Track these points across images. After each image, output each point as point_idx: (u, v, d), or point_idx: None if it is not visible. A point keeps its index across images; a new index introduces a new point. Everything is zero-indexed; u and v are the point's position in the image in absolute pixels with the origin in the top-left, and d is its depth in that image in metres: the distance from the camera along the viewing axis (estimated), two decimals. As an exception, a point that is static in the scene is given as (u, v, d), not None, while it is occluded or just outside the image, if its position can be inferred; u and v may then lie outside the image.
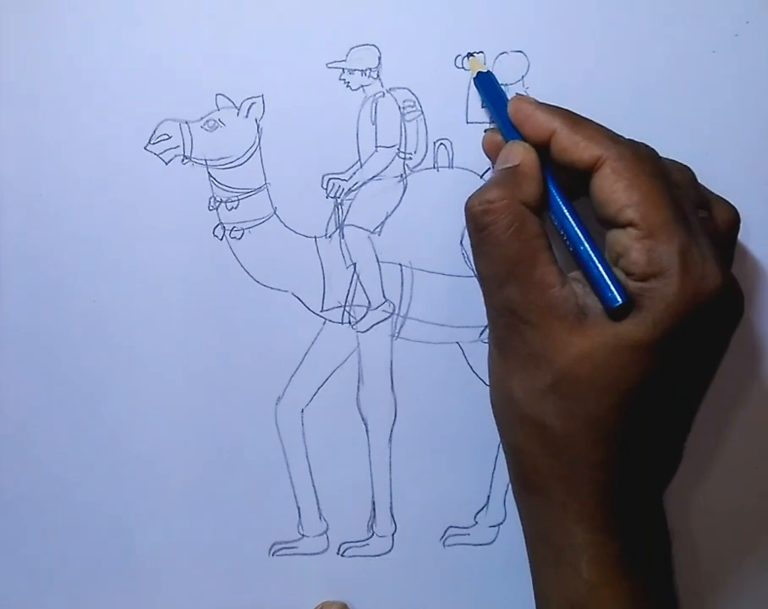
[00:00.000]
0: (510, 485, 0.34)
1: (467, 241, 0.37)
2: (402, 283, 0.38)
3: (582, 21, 0.36)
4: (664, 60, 0.37)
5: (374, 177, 0.37)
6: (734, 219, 0.33)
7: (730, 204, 0.33)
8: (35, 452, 0.39)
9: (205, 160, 0.37)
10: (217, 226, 0.38)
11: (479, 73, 0.36)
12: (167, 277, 0.38)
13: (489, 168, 0.37)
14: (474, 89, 0.37)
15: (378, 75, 0.37)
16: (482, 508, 0.39)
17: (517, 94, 0.34)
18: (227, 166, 0.37)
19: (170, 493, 0.39)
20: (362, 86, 0.37)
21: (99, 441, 0.39)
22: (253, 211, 0.38)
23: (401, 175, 0.37)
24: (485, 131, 0.36)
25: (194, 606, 0.40)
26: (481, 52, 0.37)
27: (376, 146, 0.37)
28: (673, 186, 0.31)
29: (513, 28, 0.36)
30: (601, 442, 0.30)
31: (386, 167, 0.37)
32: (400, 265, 0.38)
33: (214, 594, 0.40)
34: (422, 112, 0.37)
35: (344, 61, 0.37)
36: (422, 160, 0.37)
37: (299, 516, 0.39)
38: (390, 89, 0.37)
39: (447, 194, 0.37)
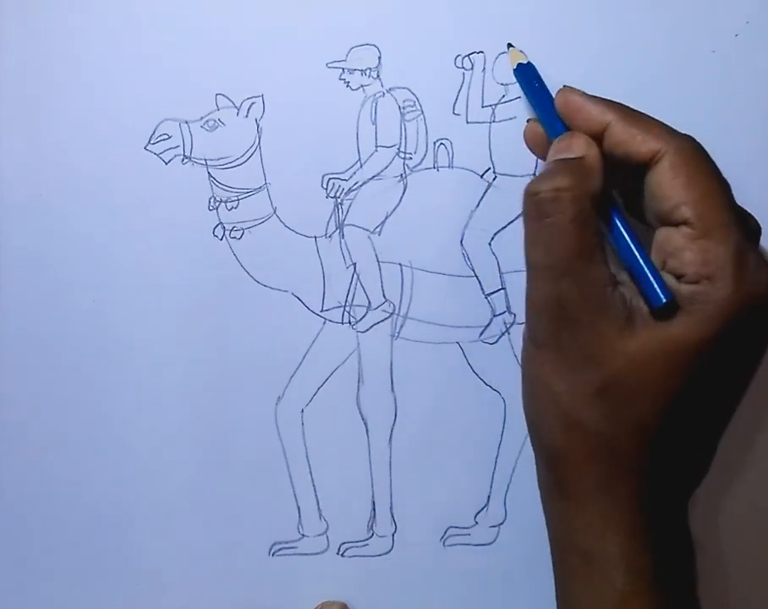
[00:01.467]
0: (539, 492, 0.33)
1: (467, 241, 0.38)
2: (402, 283, 0.38)
3: (582, 21, 0.36)
4: (664, 60, 0.37)
5: (374, 177, 0.37)
6: (759, 232, 0.32)
7: (754, 217, 0.32)
8: (36, 451, 0.39)
9: (205, 160, 0.37)
10: (217, 226, 0.38)
11: (519, 64, 0.35)
12: (167, 277, 0.38)
13: (489, 168, 0.37)
14: (473, 89, 0.37)
15: (378, 75, 0.37)
16: (482, 508, 0.39)
17: (564, 86, 0.33)
18: (227, 166, 0.37)
19: (170, 493, 0.39)
20: (362, 86, 0.37)
21: (99, 441, 0.39)
22: (253, 211, 0.38)
23: (401, 175, 0.37)
24: (528, 121, 0.35)
25: (194, 606, 0.40)
26: (481, 51, 0.37)
27: (376, 146, 0.37)
28: (727, 186, 0.30)
29: (513, 28, 0.36)
30: (646, 447, 0.29)
31: (386, 166, 0.37)
32: (400, 265, 0.38)
33: (214, 594, 0.40)
34: (422, 112, 0.37)
35: (344, 61, 0.37)
36: (422, 160, 0.37)
37: (299, 516, 0.39)
38: (390, 89, 0.37)
39: (447, 194, 0.37)
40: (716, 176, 0.30)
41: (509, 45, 0.36)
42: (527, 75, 0.35)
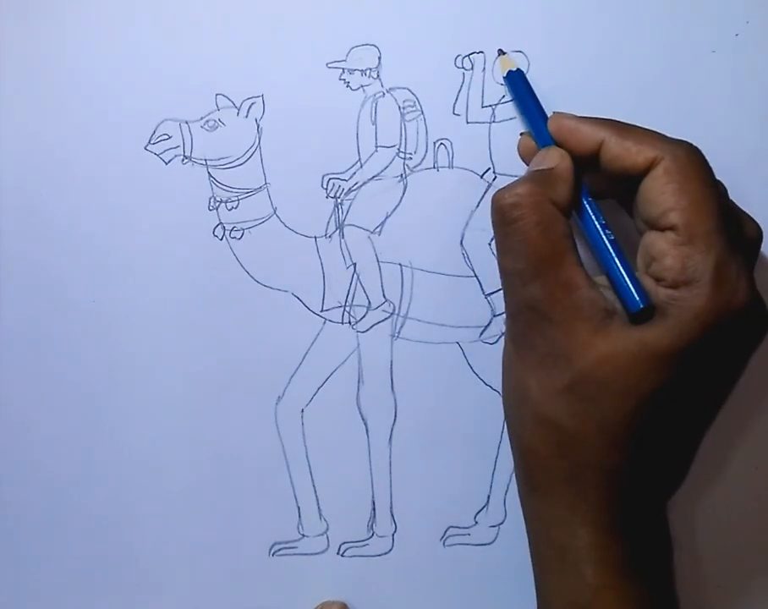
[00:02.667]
0: (516, 486, 0.34)
1: (467, 241, 0.38)
2: (402, 283, 0.38)
3: (582, 21, 0.36)
4: (664, 60, 0.37)
5: (374, 177, 0.37)
6: (759, 238, 0.33)
7: (756, 222, 0.33)
8: (35, 452, 0.39)
9: (205, 160, 0.37)
10: (217, 226, 0.38)
11: (509, 71, 0.35)
12: (166, 277, 0.38)
13: (489, 168, 0.37)
14: (473, 89, 0.37)
15: (378, 75, 0.37)
16: (482, 508, 0.39)
17: (555, 112, 0.34)
18: (227, 166, 0.37)
19: (170, 493, 0.39)
20: (362, 86, 0.37)
21: (99, 441, 0.39)
22: (253, 211, 0.38)
23: (401, 175, 0.37)
24: (521, 135, 0.35)
25: (194, 606, 0.40)
26: (481, 51, 0.37)
27: (376, 146, 0.37)
28: (721, 194, 0.30)
29: (513, 28, 0.36)
30: (614, 446, 0.30)
31: (386, 167, 0.37)
32: (400, 265, 0.38)
33: (214, 594, 0.40)
34: (422, 112, 0.37)
35: (344, 61, 0.37)
36: (422, 160, 0.37)
37: (299, 516, 0.39)
38: (390, 89, 0.37)
39: (447, 194, 0.37)
40: (710, 183, 0.30)
41: (500, 51, 0.36)
42: (516, 82, 0.35)
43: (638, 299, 0.30)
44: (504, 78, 0.36)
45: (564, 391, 0.30)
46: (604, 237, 0.31)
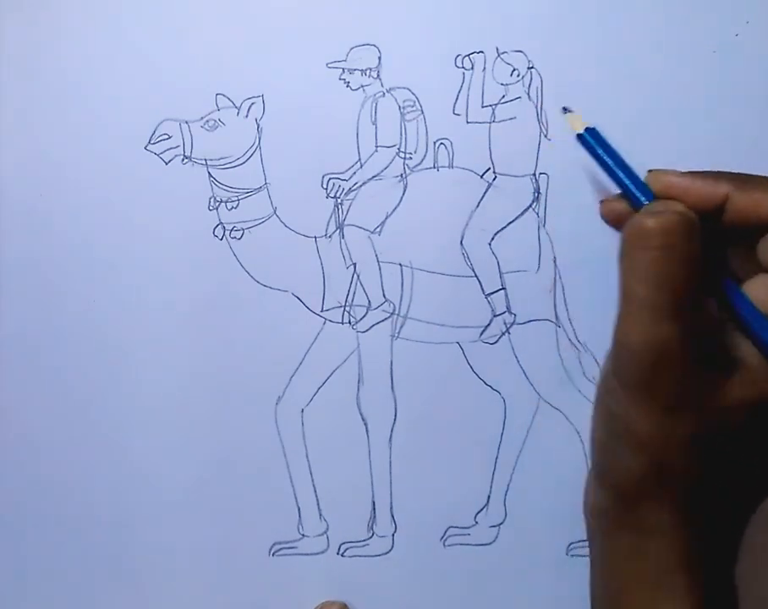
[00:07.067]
0: (593, 520, 0.31)
1: (467, 241, 0.38)
2: (402, 283, 0.38)
3: (582, 21, 0.36)
4: (664, 60, 0.37)
5: (374, 177, 0.37)
6: None
7: None
8: (35, 453, 0.39)
9: (205, 160, 0.37)
10: (217, 226, 0.38)
11: (586, 129, 0.30)
12: (167, 278, 0.38)
13: (489, 168, 0.37)
14: (473, 89, 0.37)
15: (378, 75, 0.37)
16: (482, 508, 0.39)
17: (650, 170, 0.30)
18: (227, 166, 0.37)
19: (170, 493, 0.39)
20: (362, 86, 0.37)
21: (99, 442, 0.39)
22: (253, 211, 0.38)
23: (401, 175, 0.37)
24: (601, 202, 0.30)
25: (194, 606, 0.40)
26: (481, 51, 0.37)
27: (376, 146, 0.37)
28: None
29: (513, 28, 0.36)
30: (741, 493, 0.29)
31: (386, 167, 0.37)
32: (400, 265, 0.38)
33: (214, 594, 0.40)
34: (422, 112, 0.37)
35: (344, 61, 0.37)
36: (422, 160, 0.37)
37: (299, 516, 0.39)
38: (390, 89, 0.37)
39: (447, 194, 0.37)
40: None
41: (565, 109, 0.31)
42: (594, 141, 0.31)
43: None
44: (578, 137, 0.31)
45: (692, 440, 0.28)
46: (744, 303, 0.29)
